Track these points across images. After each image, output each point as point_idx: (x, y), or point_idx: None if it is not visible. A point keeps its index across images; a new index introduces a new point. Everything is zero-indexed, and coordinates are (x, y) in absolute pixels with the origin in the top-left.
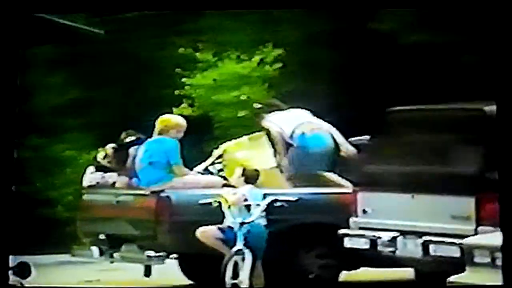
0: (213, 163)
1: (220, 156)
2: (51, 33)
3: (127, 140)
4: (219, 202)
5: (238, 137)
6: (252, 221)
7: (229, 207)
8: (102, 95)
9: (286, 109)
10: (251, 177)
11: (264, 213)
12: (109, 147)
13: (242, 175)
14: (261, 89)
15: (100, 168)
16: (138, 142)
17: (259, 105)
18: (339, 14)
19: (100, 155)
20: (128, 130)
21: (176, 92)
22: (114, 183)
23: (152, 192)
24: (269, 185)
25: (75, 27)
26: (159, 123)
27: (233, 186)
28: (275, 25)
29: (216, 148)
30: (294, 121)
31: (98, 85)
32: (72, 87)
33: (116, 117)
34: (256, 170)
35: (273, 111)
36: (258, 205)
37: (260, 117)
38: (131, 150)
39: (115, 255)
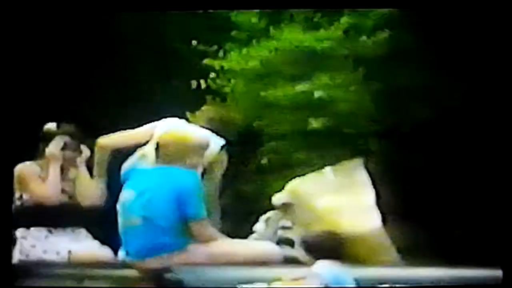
0: (267, 220)
1: (284, 205)
2: None
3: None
4: None
5: (313, 169)
6: None
7: None
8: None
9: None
10: (328, 245)
11: None
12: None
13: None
14: (351, 79)
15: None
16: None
17: None
18: None
19: None
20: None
21: (193, 84)
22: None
23: (149, 272)
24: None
25: None
26: (161, 141)
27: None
28: None
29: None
30: None
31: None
32: None
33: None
34: (335, 235)
35: None
36: None
37: None
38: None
39: None
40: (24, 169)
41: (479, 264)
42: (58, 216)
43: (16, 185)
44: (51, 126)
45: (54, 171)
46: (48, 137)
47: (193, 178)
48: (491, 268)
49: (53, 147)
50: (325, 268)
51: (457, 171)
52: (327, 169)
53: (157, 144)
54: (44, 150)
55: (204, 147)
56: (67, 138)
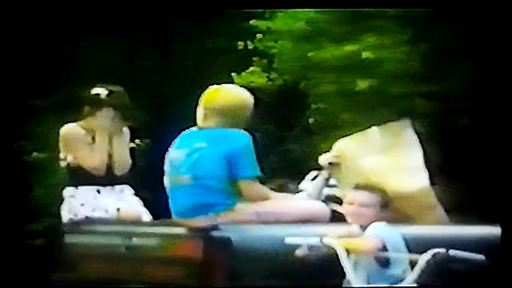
0: (314, 179)
1: (331, 165)
2: None
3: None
4: (332, 249)
5: (359, 129)
6: None
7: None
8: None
9: None
10: (380, 203)
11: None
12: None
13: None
14: (399, 39)
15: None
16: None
17: None
18: None
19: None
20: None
21: (239, 44)
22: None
23: (196, 230)
24: (413, 220)
25: None
26: (207, 101)
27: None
28: None
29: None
30: None
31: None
32: None
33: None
34: (383, 192)
35: None
36: (412, 262)
37: None
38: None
39: None
40: (70, 132)
41: None
42: (104, 175)
43: (61, 146)
44: (101, 91)
45: (102, 142)
46: (97, 102)
47: (244, 138)
48: None
49: (104, 119)
50: (377, 227)
51: (504, 130)
52: (374, 129)
53: (201, 103)
54: (90, 113)
55: (249, 106)
56: (116, 111)
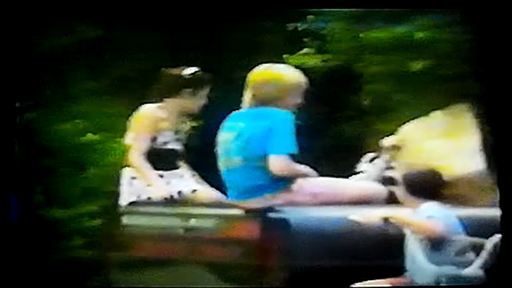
0: (373, 160)
1: (393, 147)
2: None
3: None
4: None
5: (412, 110)
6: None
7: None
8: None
9: None
10: (429, 185)
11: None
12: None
13: (410, 181)
14: (451, 19)
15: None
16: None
17: None
18: None
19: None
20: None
21: (289, 26)
22: (179, 193)
23: (253, 211)
24: (469, 202)
25: None
26: (255, 81)
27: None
28: None
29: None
30: None
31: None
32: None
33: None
34: (437, 174)
35: None
36: (476, 247)
37: None
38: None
39: None
40: (152, 112)
41: None
42: (167, 158)
43: (135, 126)
44: (201, 73)
45: (185, 126)
46: (198, 83)
47: (285, 117)
48: None
49: (200, 101)
50: (434, 209)
51: None
52: (437, 112)
53: (249, 82)
54: (178, 92)
55: (300, 86)
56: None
